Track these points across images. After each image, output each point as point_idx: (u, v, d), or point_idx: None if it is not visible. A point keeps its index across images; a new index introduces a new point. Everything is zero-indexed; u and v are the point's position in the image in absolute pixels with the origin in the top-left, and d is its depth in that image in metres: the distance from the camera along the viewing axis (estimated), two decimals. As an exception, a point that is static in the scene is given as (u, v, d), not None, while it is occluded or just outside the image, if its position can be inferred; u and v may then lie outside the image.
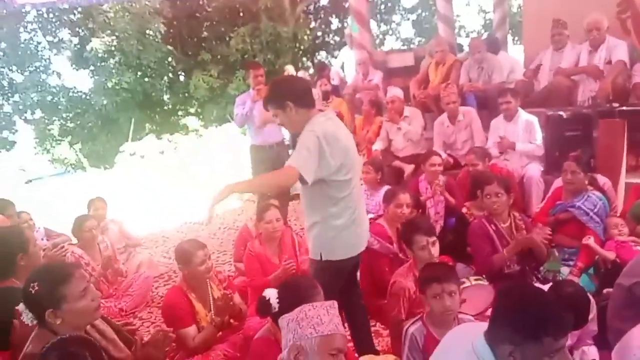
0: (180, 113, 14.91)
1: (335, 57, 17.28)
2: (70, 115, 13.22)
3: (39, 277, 1.79)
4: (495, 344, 1.56)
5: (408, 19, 16.94)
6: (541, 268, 3.42)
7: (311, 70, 14.14)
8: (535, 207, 4.41)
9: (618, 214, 3.76)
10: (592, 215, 3.46)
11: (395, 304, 2.76)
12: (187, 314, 2.91)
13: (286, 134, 5.63)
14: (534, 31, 6.36)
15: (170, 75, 14.15)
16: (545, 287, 2.58)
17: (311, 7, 15.99)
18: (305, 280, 2.40)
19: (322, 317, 1.80)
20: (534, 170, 4.58)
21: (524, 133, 4.68)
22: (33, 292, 1.75)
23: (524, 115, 4.71)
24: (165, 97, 13.98)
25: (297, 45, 15.04)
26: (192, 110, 14.62)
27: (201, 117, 14.02)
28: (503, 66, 5.64)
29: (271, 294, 2.26)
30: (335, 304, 1.88)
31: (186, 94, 14.15)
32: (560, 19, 5.31)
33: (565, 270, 3.43)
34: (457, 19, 14.84)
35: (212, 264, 3.09)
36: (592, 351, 2.54)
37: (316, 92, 6.51)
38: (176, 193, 7.81)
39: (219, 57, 13.85)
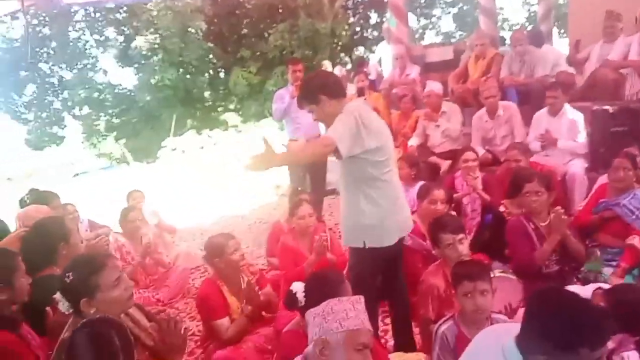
0: (220, 109, 15.15)
1: (374, 52, 17.19)
2: (116, 111, 13.64)
3: (74, 267, 1.86)
4: (527, 352, 1.49)
5: (449, 13, 16.62)
6: (582, 269, 3.29)
7: (349, 66, 14.10)
8: (578, 205, 4.24)
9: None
10: (638, 214, 3.30)
11: (423, 302, 2.72)
12: (220, 306, 2.98)
13: (322, 130, 5.64)
14: (579, 23, 6.13)
15: (211, 72, 14.39)
16: (588, 289, 2.50)
17: (350, 3, 15.89)
18: (333, 275, 2.40)
19: (349, 311, 1.79)
20: (578, 167, 4.40)
21: (568, 130, 4.50)
22: (68, 281, 1.82)
23: (569, 112, 4.53)
24: (206, 93, 14.22)
25: (335, 41, 15.01)
26: (231, 106, 14.84)
27: (240, 113, 14.25)
28: (547, 59, 5.45)
29: (298, 287, 2.27)
30: (362, 299, 1.87)
31: (226, 91, 14.35)
32: (614, 11, 5.08)
33: (607, 270, 3.28)
34: (500, 12, 14.43)
35: (243, 253, 3.14)
36: (633, 356, 2.43)
37: (353, 88, 6.48)
38: (214, 187, 7.98)
39: (258, 53, 13.98)
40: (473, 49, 6.37)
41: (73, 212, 3.95)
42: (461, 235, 2.71)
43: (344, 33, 14.90)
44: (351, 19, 15.73)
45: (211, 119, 14.42)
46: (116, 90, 13.92)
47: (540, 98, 5.28)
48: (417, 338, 3.07)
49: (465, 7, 16.33)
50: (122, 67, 14.21)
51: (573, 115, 4.53)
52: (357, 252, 2.65)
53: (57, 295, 1.85)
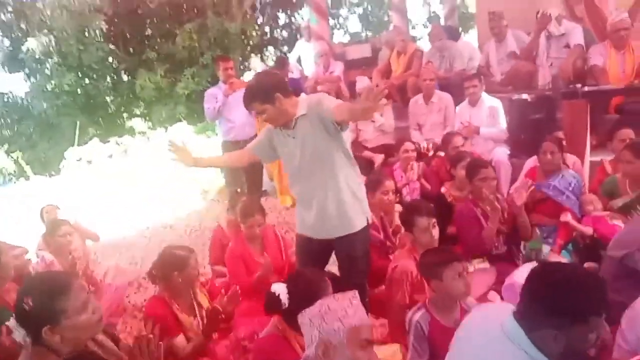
0: (125, 115, 14.31)
1: (284, 53, 17.15)
2: (7, 121, 12.35)
3: (32, 290, 1.59)
4: (533, 329, 1.48)
5: (354, 13, 17.02)
6: (522, 247, 3.47)
7: (268, 64, 13.95)
8: (504, 190, 4.50)
9: (587, 191, 3.90)
10: (567, 194, 3.56)
11: (398, 288, 2.70)
12: (172, 325, 2.74)
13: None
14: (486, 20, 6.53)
15: (114, 75, 13.52)
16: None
17: (257, 3, 15.71)
18: (313, 274, 2.32)
19: (347, 309, 1.72)
20: (501, 153, 4.67)
21: (488, 118, 4.78)
22: (27, 307, 1.55)
23: (487, 101, 4.81)
24: (109, 98, 13.33)
25: (246, 41, 14.78)
26: (137, 111, 14.08)
27: (147, 118, 13.54)
28: (464, 54, 5.74)
29: (280, 289, 2.16)
30: (357, 293, 1.80)
31: (131, 95, 13.56)
32: (495, 11, 5.47)
33: (546, 248, 3.50)
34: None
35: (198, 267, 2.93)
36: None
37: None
38: (132, 197, 7.45)
39: (164, 55, 13.37)
40: (390, 46, 6.57)
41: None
42: (434, 220, 2.74)
43: (254, 33, 14.71)
44: (260, 19, 15.56)
45: (116, 126, 13.54)
46: (5, 99, 12.57)
47: (461, 91, 5.57)
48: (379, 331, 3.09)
49: (370, 8, 16.84)
50: (10, 73, 12.85)
51: (491, 103, 4.81)
52: (364, 231, 2.73)
53: (11, 323, 1.57)
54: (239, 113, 4.93)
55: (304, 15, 16.61)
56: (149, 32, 13.94)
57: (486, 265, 2.93)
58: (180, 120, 12.41)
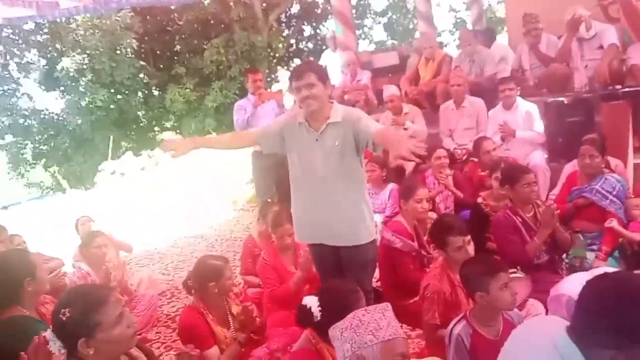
0: (156, 128, 14.62)
1: (311, 64, 17.26)
2: (44, 137, 12.76)
3: (70, 302, 1.59)
4: (589, 346, 1.36)
5: (379, 23, 17.02)
6: (564, 255, 3.33)
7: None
8: (543, 195, 4.35)
9: (632, 195, 3.72)
10: (611, 199, 3.40)
11: (429, 307, 2.61)
12: (207, 336, 2.73)
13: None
14: (518, 24, 6.39)
15: (145, 90, 13.86)
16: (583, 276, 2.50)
17: (283, 16, 15.91)
18: (345, 285, 2.25)
19: (379, 321, 1.65)
20: (539, 157, 4.53)
21: (524, 121, 4.64)
22: (64, 319, 1.55)
23: (523, 104, 4.68)
24: (141, 113, 13.65)
25: (272, 53, 14.95)
26: (168, 124, 14.37)
27: (178, 131, 13.79)
28: (495, 57, 5.62)
29: (312, 302, 2.10)
30: (389, 306, 1.74)
31: (162, 109, 13.87)
32: (532, 13, 5.31)
33: (590, 255, 3.35)
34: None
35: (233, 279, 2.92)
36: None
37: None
38: (164, 209, 7.55)
39: (193, 70, 13.65)
40: (419, 52, 6.49)
41: (21, 243, 3.53)
42: (468, 237, 2.65)
43: (280, 46, 14.87)
44: (285, 32, 15.72)
45: (148, 140, 13.86)
46: (42, 116, 13.01)
47: (492, 96, 5.45)
48: (417, 342, 3.00)
49: (394, 17, 16.81)
50: (47, 91, 13.31)
51: (527, 107, 4.67)
52: (374, 245, 2.79)
53: (48, 334, 1.56)
54: (267, 123, 4.93)
55: (329, 27, 16.74)
56: (177, 48, 14.26)
57: (520, 275, 2.80)
58: (210, 133, 12.60)
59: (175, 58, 14.23)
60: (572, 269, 3.26)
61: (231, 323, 2.86)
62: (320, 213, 2.70)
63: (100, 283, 3.64)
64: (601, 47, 4.74)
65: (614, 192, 3.40)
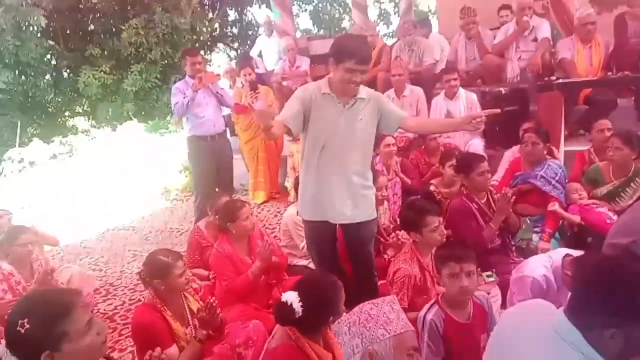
0: (67, 113, 13.53)
1: (235, 49, 16.78)
2: (-62, 123, 11.31)
3: (29, 311, 1.35)
4: (590, 327, 1.39)
5: (305, 10, 16.90)
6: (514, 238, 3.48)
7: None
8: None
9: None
10: (554, 184, 3.59)
11: (399, 291, 2.60)
12: (166, 334, 2.51)
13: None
14: (448, 15, 6.60)
15: (54, 73, 12.73)
16: (557, 255, 2.61)
17: (206, -1, 15.30)
18: (324, 276, 2.16)
19: (389, 314, 1.59)
20: (479, 145, 4.70)
21: (466, 110, 4.78)
22: (23, 331, 1.31)
23: (464, 93, 4.82)
24: (49, 97, 12.51)
25: (195, 37, 14.33)
26: (80, 109, 13.35)
27: (91, 117, 12.87)
28: (434, 47, 5.74)
29: (292, 297, 1.98)
30: (396, 299, 1.68)
31: (74, 93, 12.83)
32: (470, 7, 5.50)
33: (535, 237, 3.53)
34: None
35: (189, 274, 2.70)
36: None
37: (240, 82, 6.14)
38: (84, 199, 6.98)
39: (109, 51, 12.74)
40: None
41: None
42: (442, 218, 2.66)
43: (204, 29, 14.30)
44: (210, 15, 15.13)
45: (57, 126, 12.78)
46: None
47: (431, 85, 5.57)
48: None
49: (320, 5, 16.77)
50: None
51: (468, 96, 4.82)
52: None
53: (0, 350, 1.32)
54: (209, 108, 4.70)
55: (262, 12, 16.34)
56: (92, 27, 13.21)
57: (494, 279, 2.89)
58: (130, 118, 11.87)
59: (89, 38, 13.19)
60: (520, 251, 3.42)
61: (189, 320, 2.67)
62: (334, 188, 2.72)
63: (28, 279, 3.27)
64: (535, 39, 4.99)
65: (557, 178, 3.60)
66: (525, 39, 5.05)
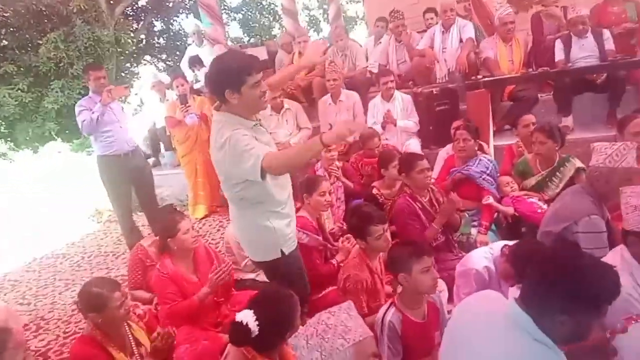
0: (-21, 136, 12.57)
1: (163, 60, 16.28)
2: None
3: None
4: (541, 313, 1.44)
5: (235, 19, 16.71)
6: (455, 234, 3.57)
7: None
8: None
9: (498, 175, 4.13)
10: (485, 177, 3.73)
11: (355, 299, 2.58)
12: (107, 367, 2.36)
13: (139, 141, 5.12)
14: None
15: (-36, 92, 11.77)
16: (496, 247, 2.69)
17: (130, 9, 14.75)
18: (279, 291, 2.09)
19: (347, 322, 1.56)
20: (416, 145, 4.81)
21: (403, 111, 4.89)
22: None
23: (400, 95, 4.92)
24: (-42, 118, 11.59)
25: (120, 49, 13.79)
26: (-4, 131, 12.45)
27: (9, 139, 12.03)
28: (365, 52, 5.84)
29: (247, 316, 1.90)
30: (352, 304, 1.65)
31: (-13, 115, 11.93)
32: (399, 10, 5.66)
33: (473, 231, 3.65)
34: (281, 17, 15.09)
35: (130, 303, 2.54)
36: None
37: (173, 94, 5.95)
38: (4, 228, 6.50)
39: (26, 68, 11.99)
40: (286, 49, 6.51)
41: None
42: (387, 224, 2.68)
43: (129, 41, 13.78)
44: (135, 26, 14.61)
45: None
46: None
47: (366, 88, 5.66)
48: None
49: (250, 13, 16.65)
50: None
51: (404, 98, 4.94)
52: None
53: None
54: (119, 124, 4.50)
55: (182, 22, 15.96)
56: (5, 43, 12.37)
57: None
58: (53, 138, 11.22)
59: (2, 55, 12.34)
60: (461, 245, 3.52)
61: (134, 349, 2.51)
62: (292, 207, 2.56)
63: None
64: (461, 40, 5.19)
65: (488, 172, 3.75)
66: (451, 39, 5.23)
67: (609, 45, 4.58)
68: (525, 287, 1.54)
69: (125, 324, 2.50)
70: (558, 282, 1.42)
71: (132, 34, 14.32)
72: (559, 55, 4.71)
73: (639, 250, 2.12)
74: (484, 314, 1.65)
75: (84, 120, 4.34)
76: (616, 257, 2.21)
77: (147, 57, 16.41)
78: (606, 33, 4.62)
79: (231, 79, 2.17)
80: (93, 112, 4.29)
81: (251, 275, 3.58)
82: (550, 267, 1.45)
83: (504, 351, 1.46)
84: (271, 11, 16.16)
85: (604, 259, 2.10)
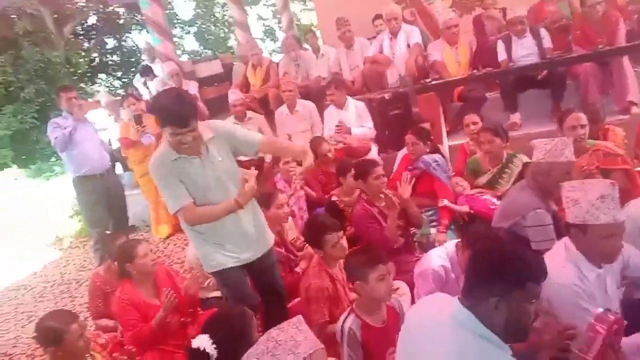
0: None
1: (118, 78, 16.01)
2: None
3: None
4: (478, 303, 1.52)
5: (189, 32, 16.61)
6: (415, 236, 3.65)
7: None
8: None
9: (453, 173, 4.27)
10: (434, 166, 3.87)
11: (317, 308, 2.62)
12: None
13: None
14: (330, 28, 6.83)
15: None
16: (450, 245, 2.78)
17: (80, 29, 14.49)
18: (232, 310, 2.12)
19: (296, 337, 1.58)
20: (373, 151, 4.89)
21: (357, 118, 4.97)
22: None
23: (353, 102, 5.01)
24: None
25: (72, 69, 13.52)
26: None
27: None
28: (317, 61, 5.90)
29: (203, 342, 1.91)
30: (301, 318, 1.68)
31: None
32: (343, 17, 5.77)
33: (432, 230, 3.75)
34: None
35: (89, 334, 2.51)
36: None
37: (126, 113, 5.88)
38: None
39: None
40: (244, 60, 6.52)
41: None
42: (342, 232, 2.73)
43: (81, 60, 13.54)
44: (86, 45, 14.36)
45: None
46: None
47: (321, 95, 5.73)
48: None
49: (204, 26, 16.58)
50: None
51: (357, 105, 5.02)
52: None
53: None
54: (92, 144, 4.48)
55: (134, 38, 15.74)
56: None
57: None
58: (9, 166, 10.89)
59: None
60: (422, 246, 3.61)
61: (98, 379, 2.49)
62: (243, 228, 2.62)
63: None
64: (408, 45, 5.33)
65: (436, 163, 3.89)
66: (399, 45, 5.37)
67: (547, 43, 4.80)
68: (464, 284, 1.63)
69: (88, 355, 2.48)
70: (481, 266, 1.55)
71: (83, 53, 14.09)
72: (502, 55, 4.91)
73: (582, 242, 2.23)
74: (432, 318, 1.72)
75: (56, 137, 4.38)
76: (561, 248, 2.33)
77: (102, 76, 16.13)
78: (543, 32, 4.84)
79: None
80: (65, 128, 4.33)
81: (216, 293, 3.57)
82: (475, 255, 1.56)
83: (452, 351, 1.53)
84: (225, 23, 16.15)
85: (550, 251, 2.25)
